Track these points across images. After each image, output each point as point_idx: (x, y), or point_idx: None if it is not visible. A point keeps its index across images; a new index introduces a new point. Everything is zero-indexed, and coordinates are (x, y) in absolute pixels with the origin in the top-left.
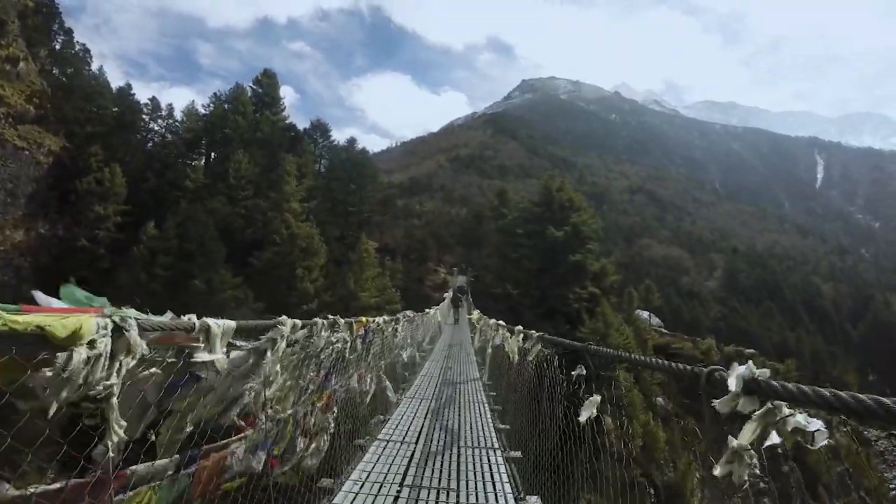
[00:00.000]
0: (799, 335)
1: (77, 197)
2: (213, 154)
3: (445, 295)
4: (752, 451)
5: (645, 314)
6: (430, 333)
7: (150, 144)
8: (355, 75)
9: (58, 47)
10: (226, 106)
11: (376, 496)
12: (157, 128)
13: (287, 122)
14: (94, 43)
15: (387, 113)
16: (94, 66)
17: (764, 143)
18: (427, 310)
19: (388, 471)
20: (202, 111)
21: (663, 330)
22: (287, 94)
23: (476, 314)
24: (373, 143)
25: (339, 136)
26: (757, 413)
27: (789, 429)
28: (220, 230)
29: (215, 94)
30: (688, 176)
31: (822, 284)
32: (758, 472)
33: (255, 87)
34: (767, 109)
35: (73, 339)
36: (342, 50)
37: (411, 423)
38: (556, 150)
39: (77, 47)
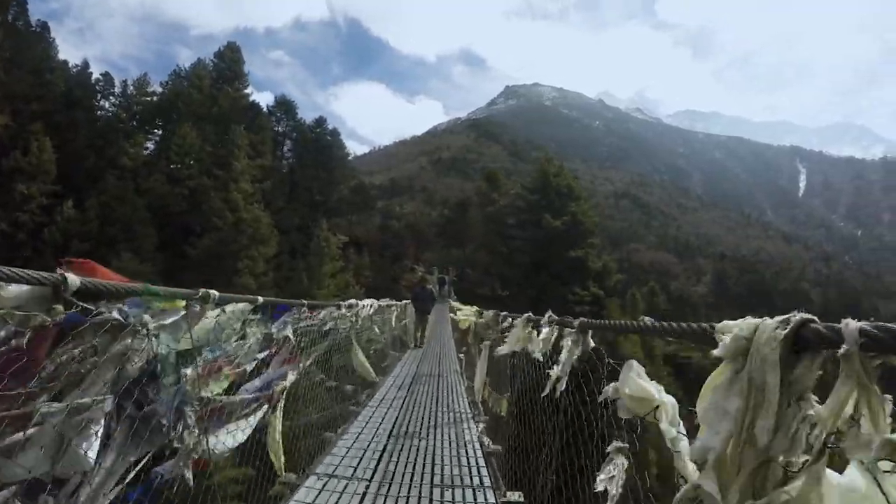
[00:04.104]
0: None
1: (1, 175)
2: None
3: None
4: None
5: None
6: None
7: (99, 123)
8: (332, 84)
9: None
10: (185, 83)
11: None
12: (108, 105)
13: (250, 99)
14: (77, 47)
15: (364, 120)
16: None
17: (746, 151)
18: (352, 302)
19: None
20: (160, 88)
21: (669, 338)
22: (266, 100)
23: (470, 313)
24: (352, 149)
25: None
26: None
27: None
28: (156, 213)
29: (175, 69)
30: (671, 182)
31: (810, 290)
32: None
33: (216, 60)
34: (750, 119)
35: None
36: (319, 59)
37: None
38: (540, 154)
39: (34, 22)
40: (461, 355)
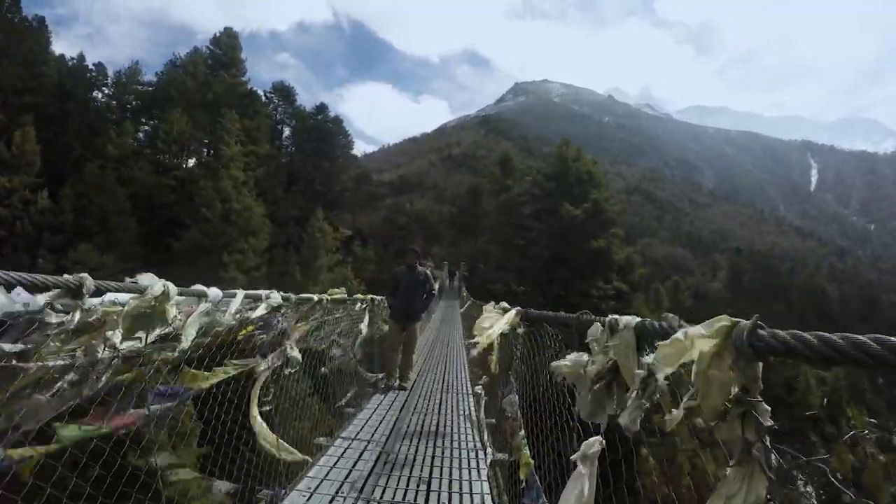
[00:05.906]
0: None
1: None
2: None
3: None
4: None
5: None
6: None
7: (90, 114)
8: (338, 86)
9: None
10: (180, 71)
11: None
12: (100, 96)
13: (247, 87)
14: (86, 51)
15: (371, 120)
16: (53, 41)
17: (757, 146)
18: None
19: None
20: (155, 78)
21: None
22: None
23: (501, 320)
24: (360, 148)
25: None
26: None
27: None
28: (141, 204)
29: (170, 59)
30: (683, 178)
31: (827, 286)
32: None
33: (212, 47)
34: (760, 114)
35: None
36: (324, 61)
37: None
38: (551, 150)
39: (30, 17)
40: (479, 388)
